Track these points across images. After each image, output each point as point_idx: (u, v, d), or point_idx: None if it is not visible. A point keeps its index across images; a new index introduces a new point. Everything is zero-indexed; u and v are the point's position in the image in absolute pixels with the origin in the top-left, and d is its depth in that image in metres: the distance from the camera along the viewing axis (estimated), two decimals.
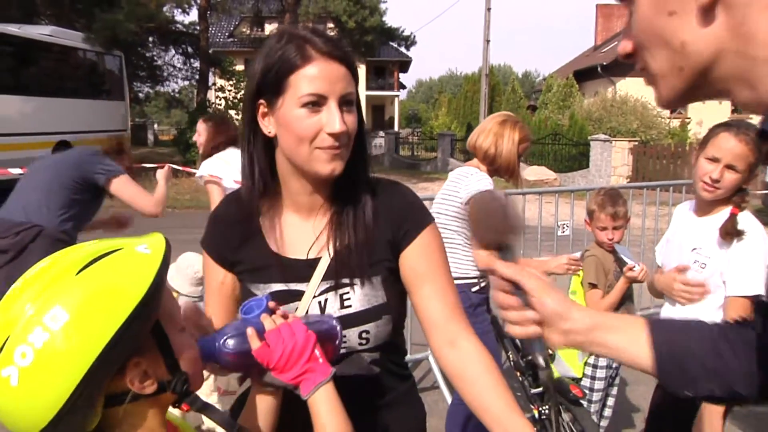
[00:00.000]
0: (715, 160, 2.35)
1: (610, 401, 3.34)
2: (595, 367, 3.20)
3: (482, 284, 3.20)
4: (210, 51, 24.18)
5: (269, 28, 28.90)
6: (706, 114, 20.31)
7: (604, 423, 3.35)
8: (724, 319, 2.29)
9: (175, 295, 3.46)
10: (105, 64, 17.59)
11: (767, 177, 11.25)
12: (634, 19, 0.80)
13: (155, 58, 26.46)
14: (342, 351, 1.37)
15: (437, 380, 4.43)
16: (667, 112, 21.12)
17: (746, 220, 2.35)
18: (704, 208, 2.48)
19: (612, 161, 17.72)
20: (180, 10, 22.02)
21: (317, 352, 1.14)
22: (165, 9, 21.27)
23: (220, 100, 21.01)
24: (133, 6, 18.17)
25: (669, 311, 2.62)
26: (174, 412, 1.11)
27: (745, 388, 1.02)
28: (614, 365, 3.28)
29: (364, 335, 1.39)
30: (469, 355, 1.35)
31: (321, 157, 1.31)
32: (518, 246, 3.04)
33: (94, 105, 16.24)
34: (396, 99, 45.56)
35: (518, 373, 3.70)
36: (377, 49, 28.65)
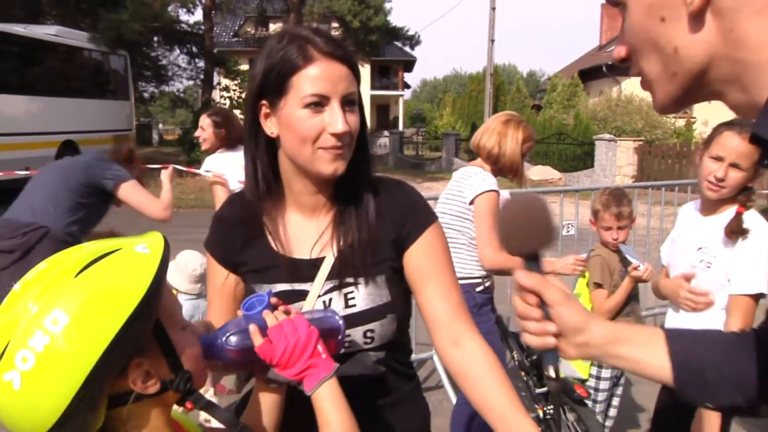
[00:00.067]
0: (719, 159, 2.34)
1: (615, 401, 3.33)
2: (600, 367, 3.20)
3: (486, 284, 3.20)
4: (215, 51, 24.21)
5: (274, 27, 28.89)
6: (712, 113, 20.26)
7: (609, 423, 3.34)
8: (741, 328, 2.29)
9: (174, 292, 3.46)
10: (110, 64, 17.62)
11: None
12: (627, 24, 0.80)
13: (160, 57, 26.49)
14: (347, 350, 1.37)
15: (442, 380, 4.43)
16: None
17: (752, 219, 2.34)
18: (710, 207, 2.47)
19: (617, 161, 17.68)
20: (185, 9, 22.00)
21: (320, 347, 1.14)
22: (170, 9, 21.30)
23: (224, 99, 21.04)
24: (137, 6, 18.20)
25: (673, 317, 2.62)
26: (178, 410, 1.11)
27: (765, 397, 1.00)
28: None
29: (368, 334, 1.38)
30: (473, 354, 1.34)
31: (324, 157, 1.31)
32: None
33: (99, 105, 16.27)
34: (400, 98, 45.59)
35: (523, 373, 3.69)
36: (382, 49, 28.66)
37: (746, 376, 1.01)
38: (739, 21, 0.69)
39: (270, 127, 1.36)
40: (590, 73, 28.34)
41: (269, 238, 1.43)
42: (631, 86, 23.59)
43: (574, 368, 3.22)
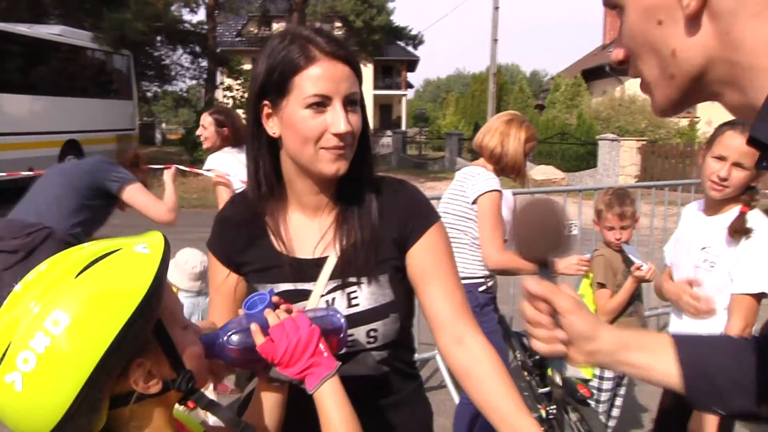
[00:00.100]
0: (722, 158, 2.34)
1: (618, 401, 3.33)
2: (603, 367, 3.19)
3: (489, 284, 3.20)
4: (218, 50, 24.25)
5: (277, 27, 28.92)
6: (715, 113, 20.22)
7: (612, 423, 3.33)
8: (743, 327, 2.28)
9: (174, 290, 3.47)
10: (113, 64, 17.64)
11: None
12: (624, 27, 0.80)
13: (163, 57, 26.48)
14: (350, 350, 1.37)
15: (445, 379, 4.42)
16: None
17: (756, 218, 2.34)
18: (714, 207, 2.47)
19: (620, 161, 17.65)
20: (188, 9, 22.07)
21: (322, 346, 1.13)
22: (173, 8, 21.35)
23: (227, 99, 21.05)
24: (141, 5, 18.23)
25: (676, 322, 2.62)
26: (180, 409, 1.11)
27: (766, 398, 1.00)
28: None
29: (372, 334, 1.38)
30: (476, 353, 1.34)
31: (326, 157, 1.32)
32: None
33: (102, 104, 16.29)
34: (403, 98, 45.61)
35: (525, 373, 3.69)
36: (385, 49, 28.66)
37: (757, 380, 1.00)
38: (736, 24, 0.69)
39: (272, 127, 1.36)
40: (593, 72, 28.30)
41: (272, 237, 1.43)
42: (634, 86, 23.43)
43: (577, 368, 3.22)
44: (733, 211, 2.38)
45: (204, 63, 25.15)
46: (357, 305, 1.38)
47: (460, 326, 1.38)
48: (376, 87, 40.52)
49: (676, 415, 2.59)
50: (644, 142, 18.18)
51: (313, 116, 1.29)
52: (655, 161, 17.35)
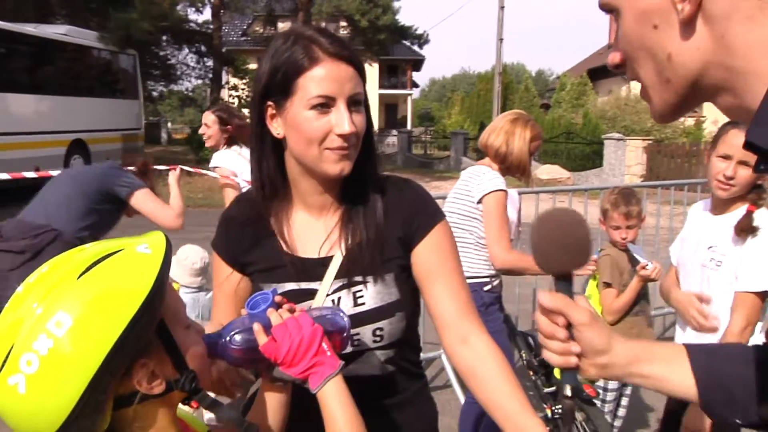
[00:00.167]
0: (727, 157, 2.34)
1: (624, 401, 3.32)
2: None
3: (494, 283, 3.19)
4: (223, 50, 24.29)
5: (282, 26, 28.95)
6: (721, 113, 20.09)
7: (618, 423, 3.33)
8: (745, 325, 2.27)
9: (176, 286, 3.48)
10: (119, 63, 17.68)
11: None
12: (621, 31, 0.80)
13: (169, 57, 26.56)
14: (356, 349, 1.37)
15: (450, 379, 4.42)
16: None
17: (763, 217, 2.33)
18: (720, 206, 2.46)
19: (626, 160, 17.62)
20: (193, 8, 22.13)
21: (325, 345, 1.13)
22: (178, 8, 21.42)
23: (233, 98, 21.10)
24: (147, 5, 18.28)
25: (679, 333, 2.62)
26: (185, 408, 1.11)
27: None
28: None
29: (378, 333, 1.38)
30: (481, 352, 1.34)
31: (330, 158, 1.32)
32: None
33: (108, 104, 16.33)
34: (409, 97, 45.59)
35: (531, 372, 3.68)
36: (390, 48, 28.62)
37: None
38: (729, 28, 0.69)
39: (276, 128, 1.36)
40: (599, 71, 28.24)
41: (277, 237, 1.43)
42: (640, 85, 23.46)
43: None
44: (740, 210, 2.37)
45: (210, 62, 25.21)
46: (363, 304, 1.38)
47: (465, 325, 1.37)
48: (381, 86, 40.51)
49: (682, 415, 2.58)
50: (650, 142, 18.14)
51: (318, 117, 1.29)
52: (661, 160, 17.32)
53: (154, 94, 29.57)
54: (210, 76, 24.63)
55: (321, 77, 1.28)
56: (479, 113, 32.41)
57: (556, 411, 3.33)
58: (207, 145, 4.29)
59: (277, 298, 1.18)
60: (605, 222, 3.16)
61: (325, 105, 1.29)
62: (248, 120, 3.80)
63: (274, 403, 1.19)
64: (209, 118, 4.23)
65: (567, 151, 21.28)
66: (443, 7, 50.77)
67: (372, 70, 33.47)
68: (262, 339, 1.12)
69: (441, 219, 1.46)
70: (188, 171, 5.03)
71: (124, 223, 3.49)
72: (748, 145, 0.69)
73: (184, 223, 3.56)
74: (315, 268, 1.40)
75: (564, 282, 1.04)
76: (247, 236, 1.45)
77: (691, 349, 1.06)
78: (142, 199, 3.39)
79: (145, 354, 0.96)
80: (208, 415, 2.29)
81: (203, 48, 25.51)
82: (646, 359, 1.06)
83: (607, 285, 3.10)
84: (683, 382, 1.04)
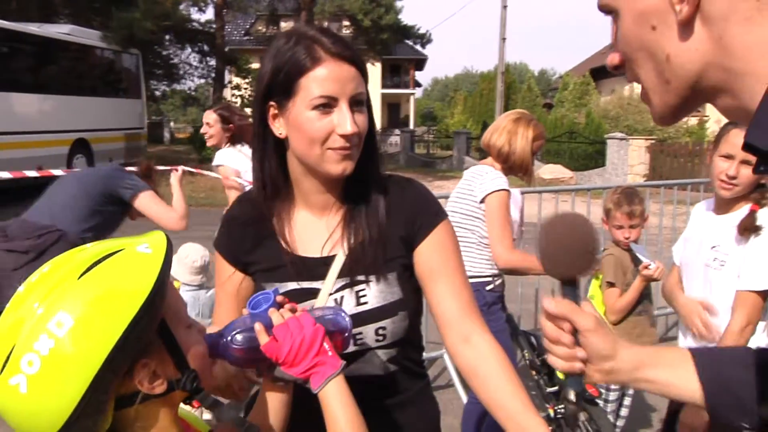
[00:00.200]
0: (729, 157, 2.33)
1: (627, 401, 3.32)
2: None
3: (496, 283, 3.19)
4: (226, 49, 24.28)
5: (285, 26, 28.95)
6: None
7: (620, 423, 3.32)
8: (745, 324, 2.27)
9: (176, 284, 3.49)
10: (122, 63, 17.70)
11: None
12: (620, 32, 0.80)
13: (171, 56, 26.53)
14: (358, 348, 1.36)
15: (452, 378, 4.42)
16: None
17: (766, 216, 2.32)
18: (723, 206, 2.46)
19: (629, 159, 17.60)
20: (196, 8, 22.10)
21: (326, 345, 1.13)
22: (181, 7, 21.39)
23: (236, 98, 21.11)
24: (149, 4, 18.29)
25: (680, 340, 2.62)
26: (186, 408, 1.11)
27: None
28: None
29: (380, 332, 1.38)
30: (483, 352, 1.34)
31: (332, 158, 1.32)
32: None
33: (111, 103, 16.35)
34: (411, 97, 45.61)
35: (533, 372, 3.68)
36: (393, 47, 28.59)
37: None
38: (727, 29, 0.69)
39: (278, 128, 1.36)
40: (602, 71, 28.18)
41: (279, 237, 1.43)
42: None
43: None
44: (743, 210, 2.37)
45: (212, 62, 25.19)
46: (365, 303, 1.38)
47: (468, 325, 1.37)
48: (384, 86, 40.52)
49: None
50: (653, 141, 18.12)
51: (320, 117, 1.29)
52: (663, 160, 17.29)
53: (157, 93, 29.56)
54: (213, 75, 24.63)
55: (323, 77, 1.28)
56: (482, 113, 32.37)
57: (558, 411, 3.33)
58: (209, 144, 4.29)
59: (279, 298, 1.18)
60: (608, 221, 3.16)
61: (327, 105, 1.29)
62: (250, 118, 3.80)
63: (275, 403, 1.19)
64: (211, 117, 4.22)
65: (570, 150, 21.27)
66: (446, 6, 50.67)
67: (374, 70, 33.44)
68: (263, 339, 1.12)
69: (443, 218, 1.46)
70: (190, 171, 5.03)
71: (126, 223, 3.49)
72: (747, 147, 0.69)
73: (188, 224, 3.57)
74: (317, 268, 1.40)
75: (570, 287, 1.04)
76: (249, 236, 1.45)
77: (696, 354, 1.06)
78: (145, 202, 3.40)
79: (146, 354, 0.96)
80: (207, 415, 2.29)
81: (206, 47, 25.50)
82: (652, 364, 1.06)
83: (610, 284, 3.10)
84: (689, 386, 1.04)
